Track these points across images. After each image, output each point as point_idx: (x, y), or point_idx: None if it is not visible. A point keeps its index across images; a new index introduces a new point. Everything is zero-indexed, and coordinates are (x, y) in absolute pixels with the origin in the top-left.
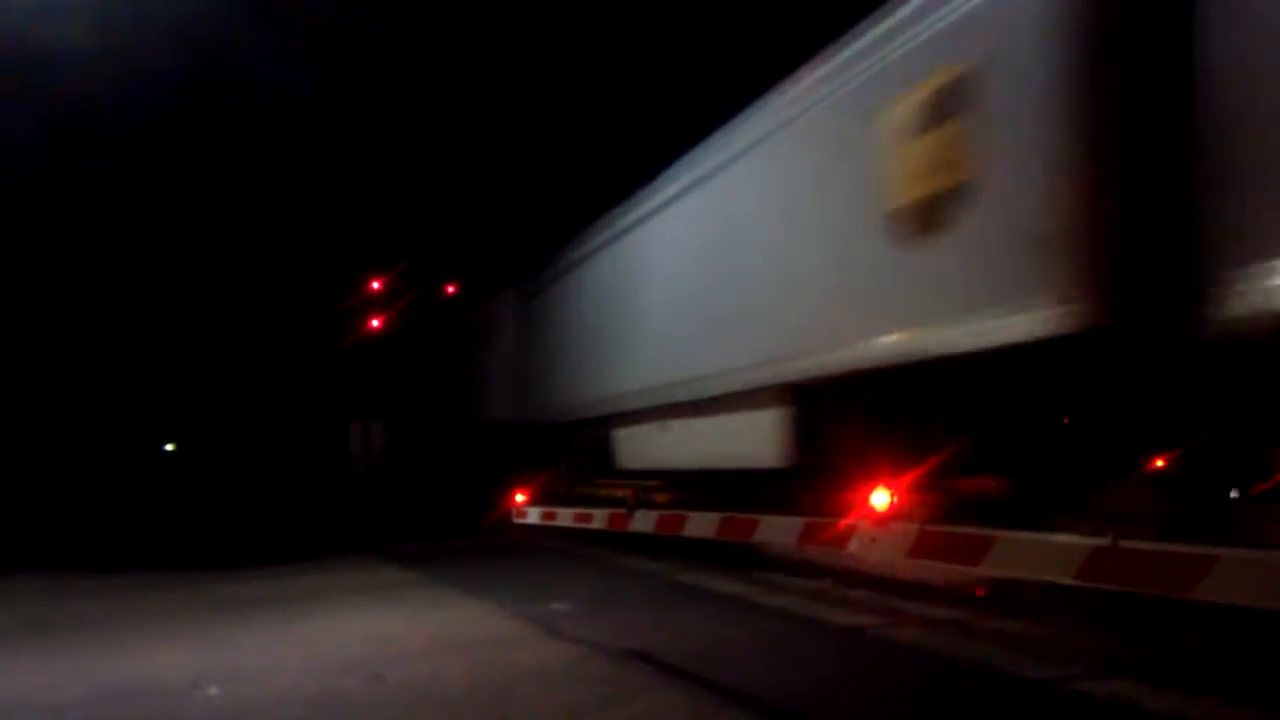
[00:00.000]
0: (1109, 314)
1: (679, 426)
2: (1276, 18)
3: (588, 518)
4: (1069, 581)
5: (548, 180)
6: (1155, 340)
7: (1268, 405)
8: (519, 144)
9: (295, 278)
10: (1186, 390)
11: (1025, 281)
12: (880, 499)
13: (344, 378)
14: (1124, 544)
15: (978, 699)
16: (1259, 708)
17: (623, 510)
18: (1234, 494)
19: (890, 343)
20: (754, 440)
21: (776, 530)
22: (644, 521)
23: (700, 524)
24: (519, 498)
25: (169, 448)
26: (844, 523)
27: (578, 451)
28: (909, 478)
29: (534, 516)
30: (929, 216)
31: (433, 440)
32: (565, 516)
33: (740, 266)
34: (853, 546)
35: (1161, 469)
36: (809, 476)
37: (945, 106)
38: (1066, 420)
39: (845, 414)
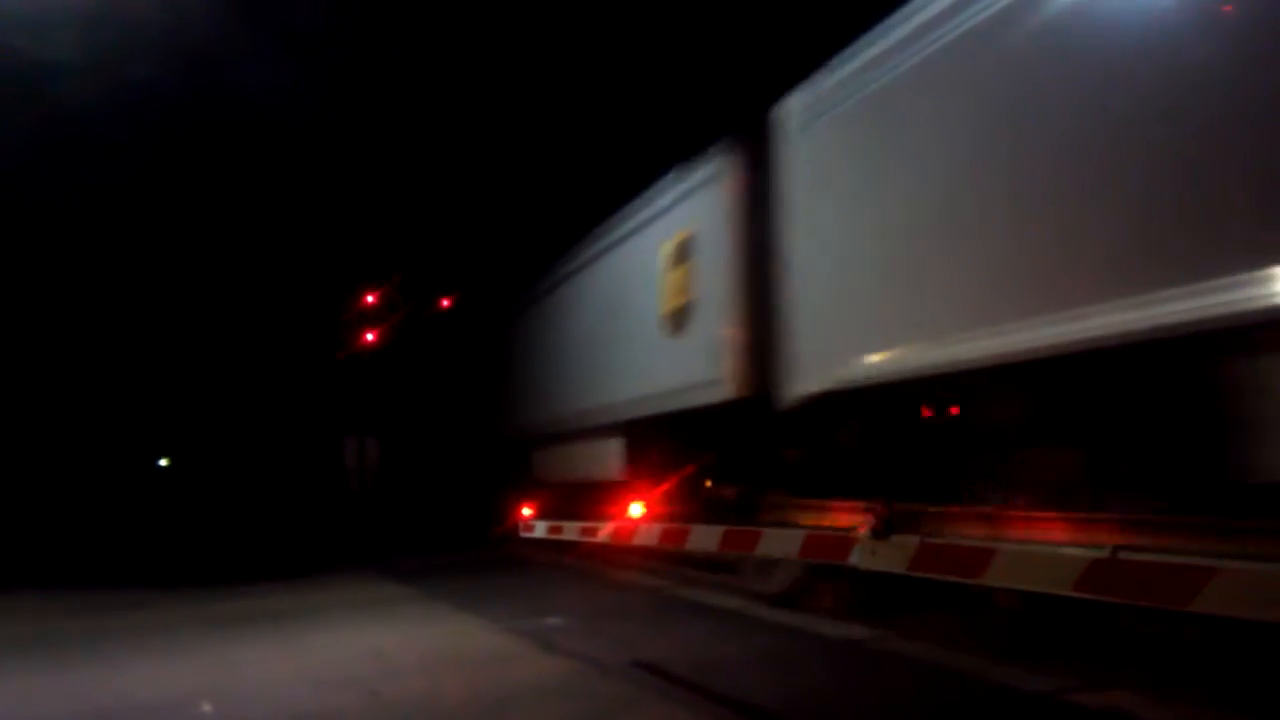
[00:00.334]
0: (750, 390)
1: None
2: (820, 232)
3: (594, 531)
4: (1068, 593)
5: (542, 192)
6: (766, 406)
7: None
8: (514, 158)
9: (290, 292)
10: (770, 434)
11: (715, 366)
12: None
13: (339, 392)
14: (1123, 556)
15: (975, 711)
16: None
17: (628, 523)
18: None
19: (659, 396)
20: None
21: (778, 543)
22: (648, 536)
23: (703, 537)
24: (525, 511)
25: (163, 463)
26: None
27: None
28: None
29: (541, 530)
30: (676, 322)
31: (427, 455)
32: (571, 530)
33: (593, 336)
34: (854, 559)
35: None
36: (632, 488)
37: (682, 254)
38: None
39: (649, 443)
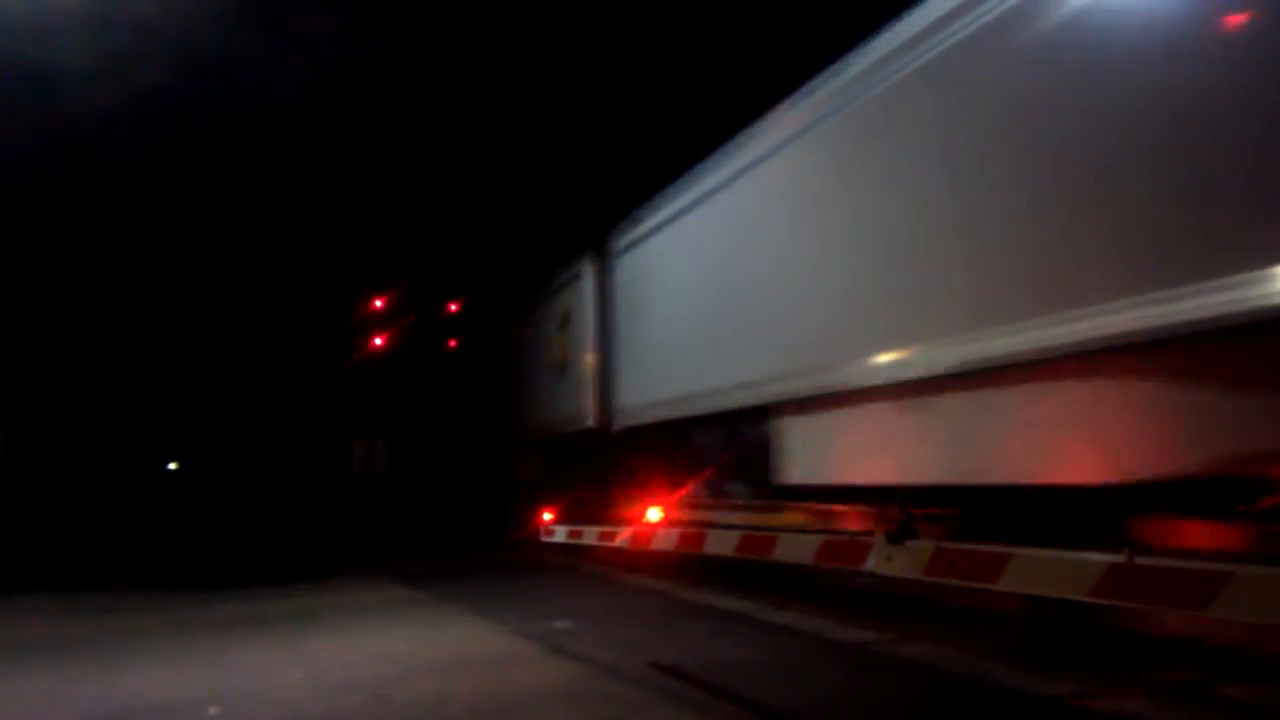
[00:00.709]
0: (600, 423)
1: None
2: (624, 322)
3: (612, 536)
4: (1084, 598)
5: (549, 197)
6: (607, 433)
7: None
8: (522, 161)
9: (297, 297)
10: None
11: (581, 404)
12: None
13: (347, 396)
14: (1140, 561)
15: (983, 715)
16: None
17: (647, 529)
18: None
19: (554, 423)
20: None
21: (794, 548)
22: (666, 540)
23: (719, 542)
24: (546, 516)
25: (172, 467)
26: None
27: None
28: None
29: (561, 535)
30: (560, 370)
31: (435, 458)
32: (591, 535)
33: (527, 371)
34: (870, 564)
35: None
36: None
37: (564, 323)
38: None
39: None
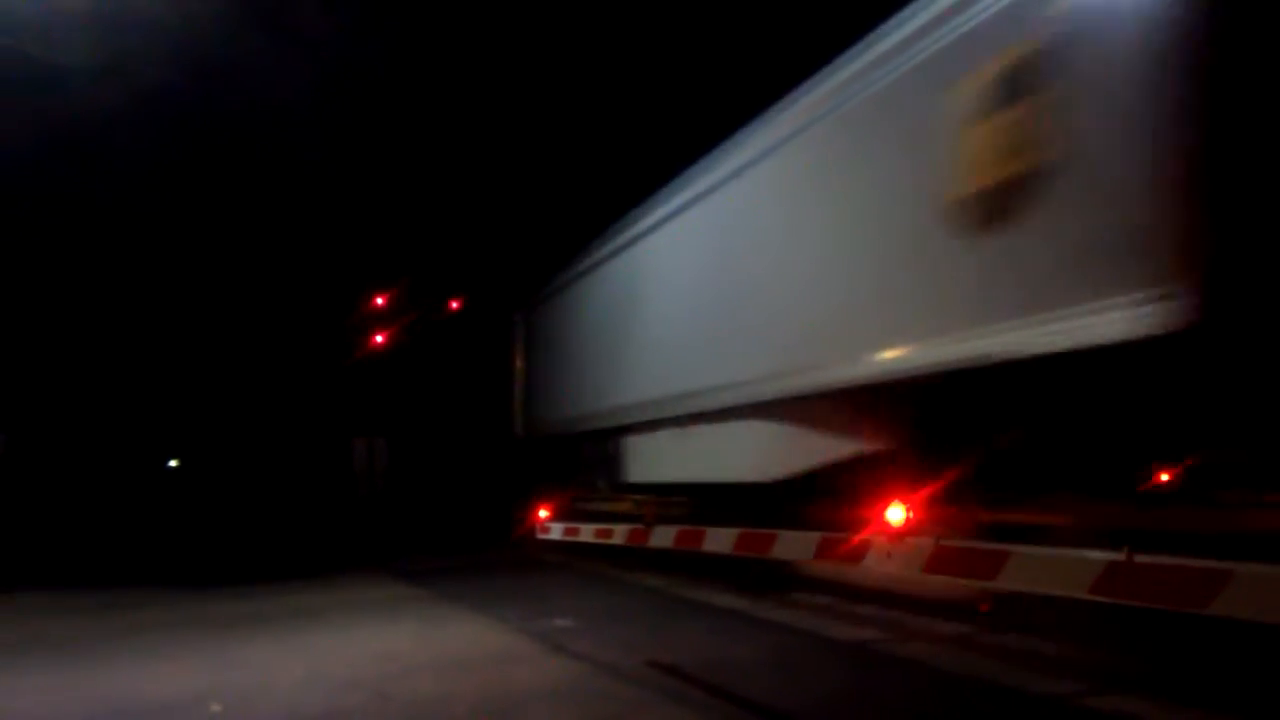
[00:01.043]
0: (524, 433)
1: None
2: (535, 362)
3: (609, 534)
4: (1084, 596)
5: (550, 194)
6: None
7: None
8: (521, 159)
9: (298, 295)
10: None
11: (517, 420)
12: (895, 514)
13: (347, 394)
14: (1139, 559)
15: (983, 715)
16: None
17: (641, 526)
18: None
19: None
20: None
21: (793, 546)
22: (663, 537)
23: (718, 540)
24: (542, 513)
25: (173, 464)
26: (859, 538)
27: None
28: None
29: (557, 532)
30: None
31: (437, 456)
32: (587, 532)
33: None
34: (869, 562)
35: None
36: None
37: (512, 354)
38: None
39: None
